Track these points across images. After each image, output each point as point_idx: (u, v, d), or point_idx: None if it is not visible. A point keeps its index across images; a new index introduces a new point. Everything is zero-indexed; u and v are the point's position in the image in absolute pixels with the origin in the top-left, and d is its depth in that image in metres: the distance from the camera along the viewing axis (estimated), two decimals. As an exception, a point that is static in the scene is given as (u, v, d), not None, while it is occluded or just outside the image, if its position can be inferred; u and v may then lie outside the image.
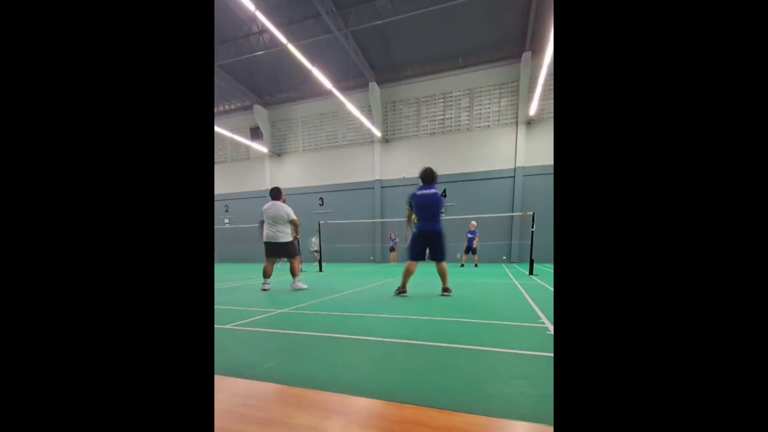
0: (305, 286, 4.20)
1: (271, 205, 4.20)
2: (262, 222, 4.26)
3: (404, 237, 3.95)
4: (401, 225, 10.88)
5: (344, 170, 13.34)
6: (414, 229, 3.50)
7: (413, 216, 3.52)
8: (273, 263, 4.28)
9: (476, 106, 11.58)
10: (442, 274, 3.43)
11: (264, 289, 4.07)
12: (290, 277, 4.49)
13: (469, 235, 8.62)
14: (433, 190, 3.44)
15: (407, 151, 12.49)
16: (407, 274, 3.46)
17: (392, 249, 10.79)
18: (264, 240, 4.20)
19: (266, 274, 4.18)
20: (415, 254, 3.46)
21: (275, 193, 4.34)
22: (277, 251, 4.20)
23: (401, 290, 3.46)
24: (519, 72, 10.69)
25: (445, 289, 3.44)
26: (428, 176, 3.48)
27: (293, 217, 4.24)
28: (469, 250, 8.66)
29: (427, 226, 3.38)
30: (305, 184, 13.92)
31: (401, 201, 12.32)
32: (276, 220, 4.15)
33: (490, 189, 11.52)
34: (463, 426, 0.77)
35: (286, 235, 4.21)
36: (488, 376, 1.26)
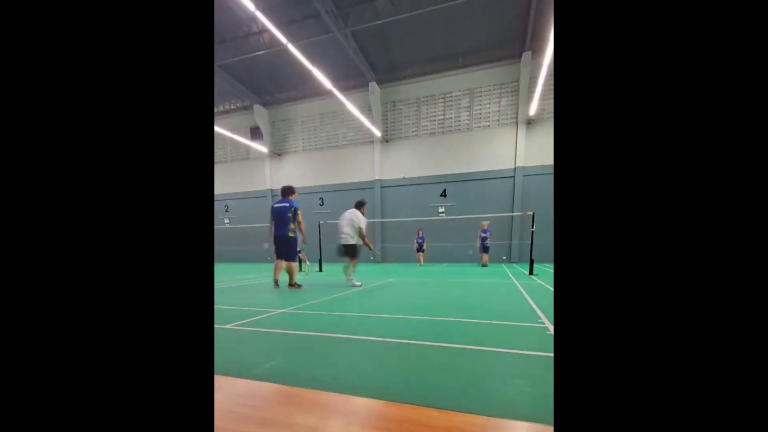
0: (359, 284, 4.56)
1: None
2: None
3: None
4: (421, 224, 10.84)
5: (344, 170, 13.34)
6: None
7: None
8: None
9: (476, 106, 11.58)
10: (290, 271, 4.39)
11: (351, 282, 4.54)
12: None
13: (483, 235, 8.80)
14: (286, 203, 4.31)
15: (407, 151, 12.49)
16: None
17: (420, 249, 10.11)
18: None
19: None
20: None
21: (359, 204, 4.81)
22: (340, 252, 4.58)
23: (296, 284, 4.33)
24: (519, 72, 10.68)
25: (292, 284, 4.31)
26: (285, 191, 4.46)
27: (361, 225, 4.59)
28: (485, 249, 8.87)
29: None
30: (305, 184, 13.92)
31: (402, 201, 12.33)
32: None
33: (490, 189, 11.51)
34: (463, 426, 0.77)
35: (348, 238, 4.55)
36: (488, 376, 1.26)
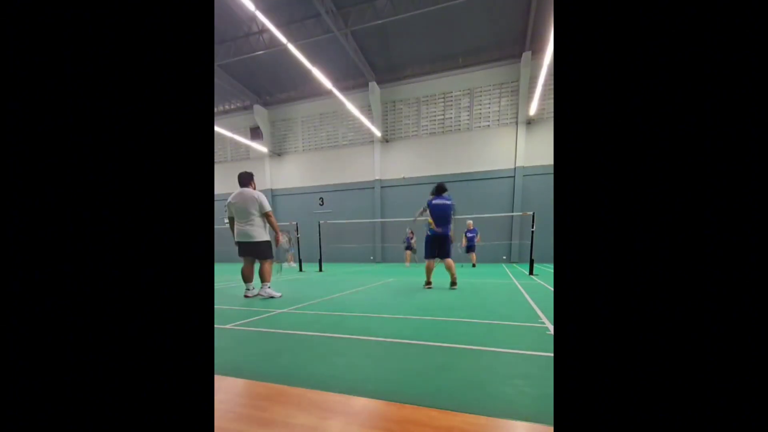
0: (278, 294, 3.49)
1: (238, 195, 3.35)
2: (232, 218, 3.47)
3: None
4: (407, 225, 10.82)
5: (344, 170, 13.34)
6: (429, 233, 4.14)
7: (430, 220, 4.10)
8: (251, 264, 3.55)
9: (476, 105, 11.58)
10: (450, 269, 4.11)
11: (246, 296, 3.47)
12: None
13: (469, 235, 8.68)
14: (448, 201, 4.06)
15: (407, 151, 12.49)
16: (429, 271, 4.21)
17: (409, 248, 9.70)
18: (236, 239, 3.42)
19: (246, 279, 3.49)
20: (429, 253, 4.15)
21: (245, 179, 3.45)
22: (248, 251, 3.45)
23: (427, 283, 4.15)
24: (519, 72, 10.68)
25: (453, 282, 4.09)
26: (441, 188, 4.15)
27: (267, 208, 3.42)
28: (470, 248, 8.70)
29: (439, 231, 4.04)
30: (305, 184, 13.92)
31: (401, 201, 12.33)
32: (244, 214, 3.36)
33: (490, 189, 11.51)
34: (463, 426, 0.77)
35: (260, 232, 3.43)
36: (488, 376, 1.26)
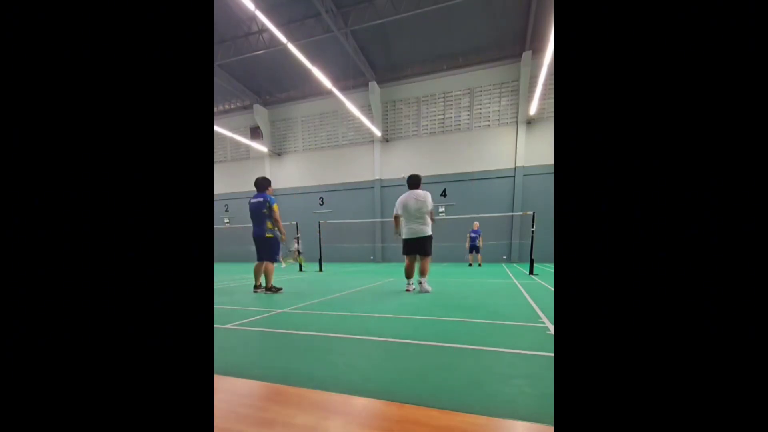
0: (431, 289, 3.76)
1: (411, 195, 3.70)
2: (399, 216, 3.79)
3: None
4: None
5: (344, 170, 13.34)
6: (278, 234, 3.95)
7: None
8: (414, 261, 3.81)
9: (476, 105, 11.57)
10: (267, 273, 3.89)
11: (408, 290, 3.74)
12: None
13: (472, 235, 8.81)
14: (259, 198, 3.82)
15: (407, 151, 12.49)
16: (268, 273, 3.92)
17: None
18: (406, 236, 3.72)
19: (409, 274, 3.81)
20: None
21: (416, 181, 3.78)
22: (419, 247, 3.74)
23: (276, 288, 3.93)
24: (519, 71, 10.68)
25: (267, 288, 3.89)
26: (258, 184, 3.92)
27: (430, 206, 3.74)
28: (473, 249, 8.84)
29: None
30: (305, 183, 13.93)
31: (401, 201, 12.33)
32: (418, 213, 3.68)
33: (490, 189, 11.51)
34: (463, 426, 0.77)
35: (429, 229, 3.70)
36: (488, 375, 1.26)
